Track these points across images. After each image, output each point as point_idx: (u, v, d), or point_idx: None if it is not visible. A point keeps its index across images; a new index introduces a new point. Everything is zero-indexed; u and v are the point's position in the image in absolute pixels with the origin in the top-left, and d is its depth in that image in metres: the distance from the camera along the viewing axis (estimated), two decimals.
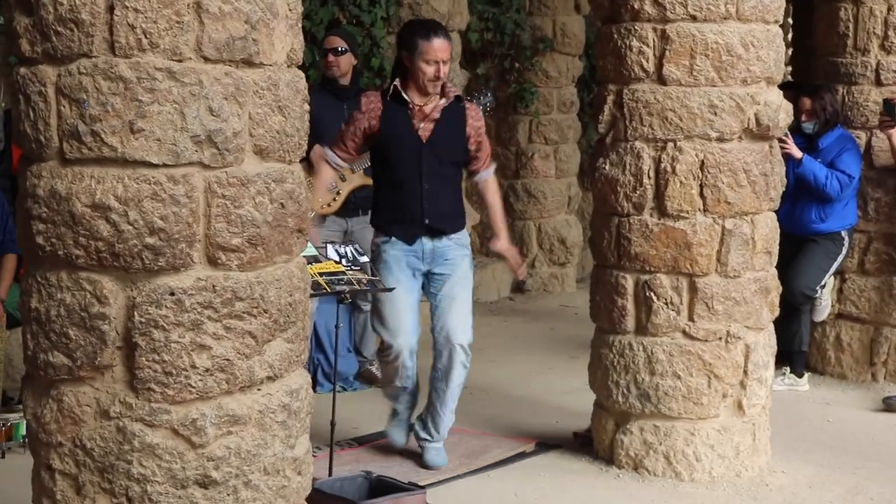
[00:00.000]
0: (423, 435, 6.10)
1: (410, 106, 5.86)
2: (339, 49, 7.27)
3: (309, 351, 6.10)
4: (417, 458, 6.09)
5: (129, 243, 3.31)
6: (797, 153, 7.48)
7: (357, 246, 5.72)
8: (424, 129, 5.88)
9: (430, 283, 5.97)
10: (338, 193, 7.10)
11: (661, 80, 5.82)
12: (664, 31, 5.79)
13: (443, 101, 5.90)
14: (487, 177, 6.16)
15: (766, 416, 6.10)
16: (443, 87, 5.90)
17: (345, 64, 7.27)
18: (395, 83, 5.86)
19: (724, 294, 5.84)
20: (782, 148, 6.72)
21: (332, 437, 5.61)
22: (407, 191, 5.86)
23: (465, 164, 6.09)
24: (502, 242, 6.24)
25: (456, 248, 5.99)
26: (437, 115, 5.89)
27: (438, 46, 5.79)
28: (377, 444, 6.31)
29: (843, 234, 7.73)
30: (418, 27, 5.95)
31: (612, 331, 6.05)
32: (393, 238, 5.89)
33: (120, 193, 3.30)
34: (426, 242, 5.91)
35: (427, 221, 5.88)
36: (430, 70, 5.79)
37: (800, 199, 7.61)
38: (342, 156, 6.00)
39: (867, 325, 8.10)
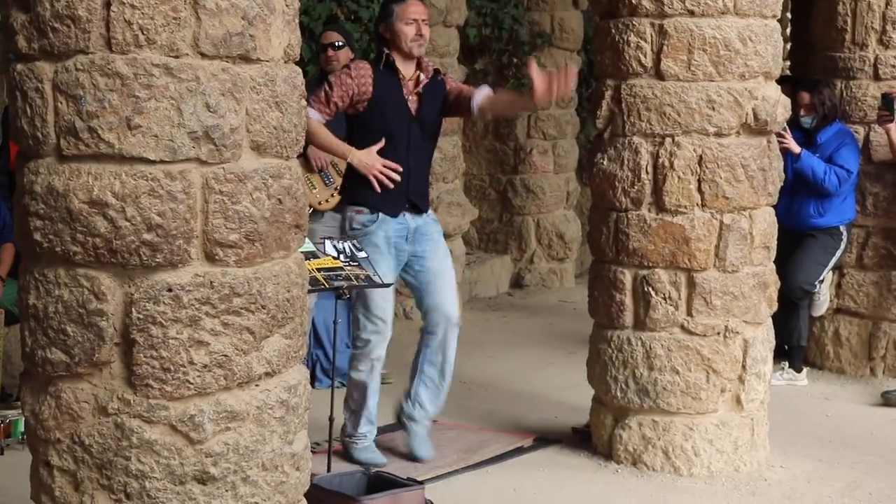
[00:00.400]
0: (417, 414, 6.04)
1: (401, 76, 5.86)
2: (337, 44, 7.27)
3: (307, 347, 6.10)
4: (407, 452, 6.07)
5: (126, 240, 3.31)
6: (795, 148, 7.49)
7: (355, 241, 5.71)
8: (412, 102, 5.90)
9: (413, 262, 5.92)
10: (335, 189, 7.10)
11: (659, 75, 5.82)
12: (662, 26, 5.78)
13: (423, 77, 5.90)
14: (484, 92, 5.99)
15: (765, 411, 6.11)
16: (420, 62, 5.90)
17: (343, 58, 7.27)
18: (386, 52, 5.84)
19: (722, 289, 5.85)
20: (780, 143, 6.73)
21: (330, 433, 5.61)
22: (395, 162, 5.82)
23: (456, 112, 6.10)
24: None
25: (433, 224, 6.03)
26: (421, 89, 5.90)
27: (415, 6, 5.82)
28: (376, 439, 6.30)
29: (842, 228, 7.73)
30: None
31: (610, 326, 6.06)
32: (380, 214, 5.83)
33: (117, 190, 3.30)
34: (409, 219, 5.90)
35: (410, 196, 5.89)
36: (410, 30, 5.79)
37: (798, 194, 7.61)
38: (325, 116, 5.82)
39: (866, 320, 8.11)
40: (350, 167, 5.90)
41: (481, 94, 5.96)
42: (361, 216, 5.84)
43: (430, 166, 6.14)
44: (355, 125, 5.92)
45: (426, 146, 6.00)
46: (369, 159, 5.79)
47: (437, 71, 6.00)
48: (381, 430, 6.27)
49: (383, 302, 5.86)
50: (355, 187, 5.90)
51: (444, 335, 6.00)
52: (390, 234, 5.84)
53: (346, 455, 5.96)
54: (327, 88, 5.79)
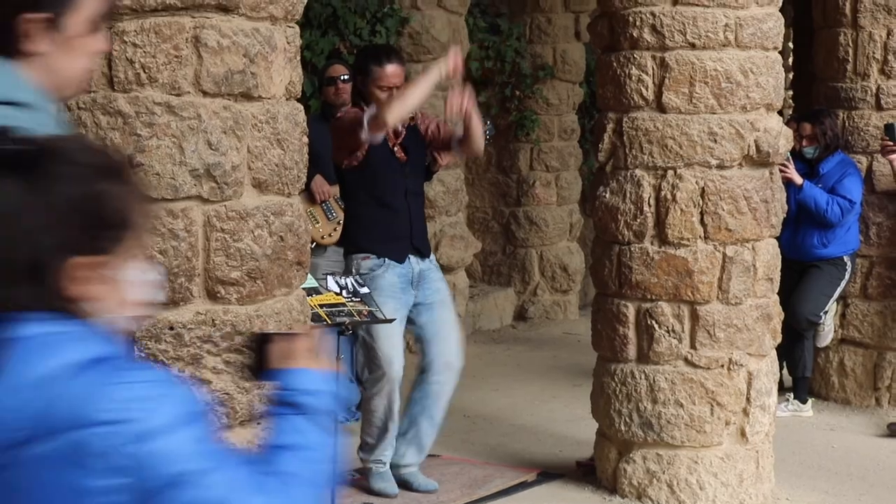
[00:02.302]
0: (408, 462, 6.06)
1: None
2: (344, 77, 7.30)
3: None
4: (413, 491, 6.04)
5: None
6: (798, 179, 7.49)
7: (357, 277, 5.71)
8: (399, 152, 5.98)
9: (419, 313, 5.96)
10: (338, 223, 7.09)
11: (661, 107, 5.83)
12: (663, 59, 5.80)
13: (401, 128, 5.95)
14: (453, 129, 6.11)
15: (770, 443, 6.08)
16: None
17: (349, 91, 7.30)
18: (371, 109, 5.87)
19: (725, 321, 5.83)
20: (783, 174, 6.73)
21: (334, 468, 5.59)
22: (397, 210, 5.88)
23: (439, 147, 6.12)
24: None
25: (436, 272, 6.09)
26: (403, 139, 5.98)
27: (391, 72, 5.84)
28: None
29: (846, 259, 7.72)
30: (372, 52, 6.05)
31: (613, 359, 6.04)
32: (386, 260, 5.87)
33: None
34: (415, 264, 5.94)
35: (413, 241, 5.94)
36: (383, 96, 5.81)
37: (801, 225, 7.60)
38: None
39: (870, 350, 8.08)
40: (349, 213, 5.94)
41: (459, 132, 6.09)
42: (368, 262, 5.88)
43: (424, 211, 6.22)
44: (349, 179, 5.99)
45: (420, 191, 6.09)
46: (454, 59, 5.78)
47: (412, 118, 6.05)
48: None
49: (389, 349, 5.86)
50: (358, 234, 5.96)
51: (447, 382, 6.05)
52: (396, 279, 5.87)
53: (365, 479, 6.00)
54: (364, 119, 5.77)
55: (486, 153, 11.38)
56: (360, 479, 5.98)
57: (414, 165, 6.04)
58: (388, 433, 5.97)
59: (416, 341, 6.18)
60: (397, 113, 5.63)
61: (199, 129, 3.33)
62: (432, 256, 6.12)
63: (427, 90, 5.73)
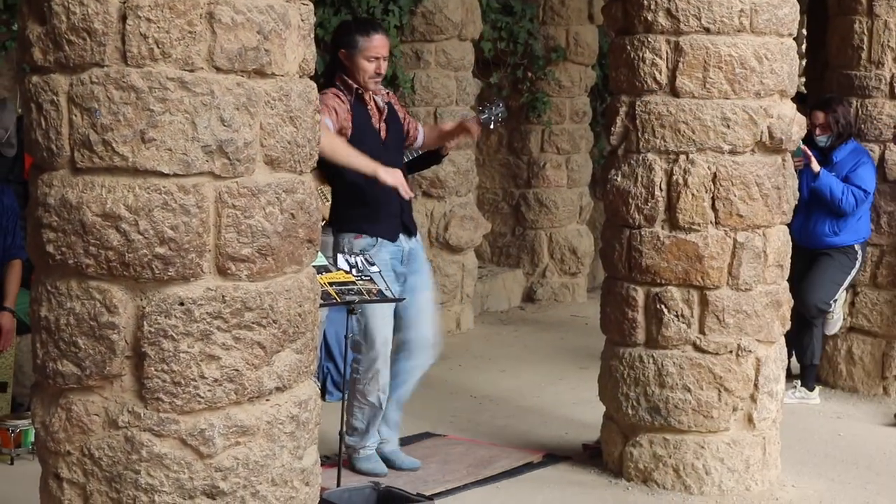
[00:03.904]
0: (386, 438, 6.11)
1: (369, 107, 5.90)
2: None
3: (318, 360, 6.09)
4: (419, 470, 6.05)
5: (138, 253, 3.31)
6: (816, 167, 7.47)
7: (367, 256, 5.71)
8: (382, 130, 5.96)
9: (402, 291, 5.92)
10: None
11: (674, 92, 5.81)
12: (677, 44, 5.78)
13: (380, 100, 5.94)
14: (422, 132, 6.27)
15: (777, 430, 6.08)
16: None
17: None
18: (356, 87, 5.83)
19: (735, 307, 5.83)
20: (799, 163, 6.77)
21: (340, 447, 5.60)
22: (385, 187, 5.81)
23: (407, 144, 6.20)
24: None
25: (421, 251, 6.10)
26: (386, 116, 5.97)
27: (379, 42, 5.82)
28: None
29: (857, 247, 7.71)
30: (357, 24, 5.99)
31: (622, 343, 6.04)
32: (379, 239, 5.85)
33: (130, 203, 3.30)
34: (404, 242, 5.95)
35: (403, 220, 5.95)
36: (371, 67, 5.80)
37: (813, 213, 7.59)
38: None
39: (879, 339, 8.08)
40: (337, 191, 5.89)
41: (421, 134, 6.22)
42: (361, 241, 5.84)
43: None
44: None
45: (401, 167, 6.02)
46: (395, 176, 5.78)
47: (387, 94, 6.08)
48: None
49: (384, 328, 5.86)
50: (349, 213, 5.90)
51: (424, 360, 6.09)
52: (388, 257, 5.87)
53: (350, 465, 5.95)
54: (335, 106, 5.76)
55: (497, 134, 11.41)
56: (344, 463, 5.90)
57: (395, 141, 6.02)
58: (379, 414, 5.98)
59: (395, 318, 6.12)
60: (331, 152, 5.52)
61: (211, 106, 3.32)
62: (418, 235, 6.12)
63: (353, 165, 5.71)
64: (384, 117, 5.96)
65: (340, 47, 5.87)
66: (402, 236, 5.95)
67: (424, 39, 9.50)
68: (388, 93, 6.11)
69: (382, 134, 5.95)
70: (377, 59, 5.79)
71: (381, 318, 5.82)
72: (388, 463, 6.02)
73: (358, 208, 5.85)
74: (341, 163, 5.69)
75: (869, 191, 7.56)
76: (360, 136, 5.82)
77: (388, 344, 5.91)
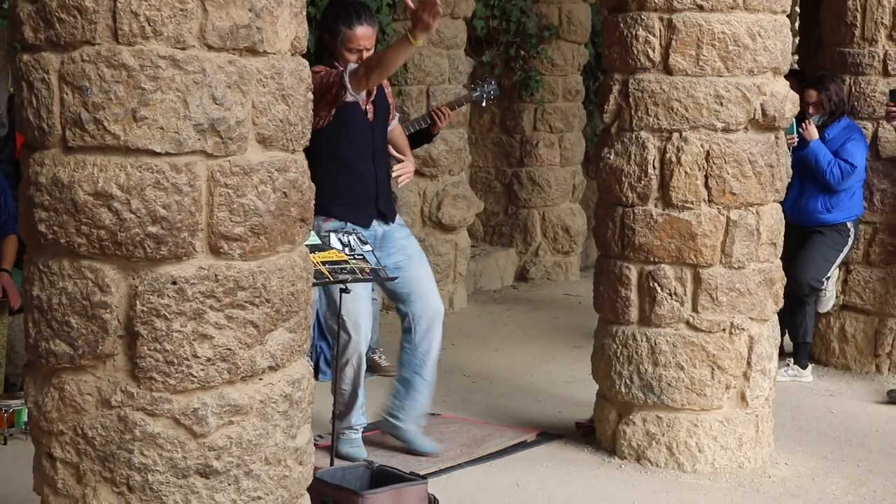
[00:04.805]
0: (407, 425, 6.02)
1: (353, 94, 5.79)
2: None
3: (311, 339, 6.08)
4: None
5: (131, 232, 3.30)
6: (814, 136, 7.48)
7: (360, 235, 5.69)
8: (369, 111, 5.86)
9: (387, 272, 5.77)
10: None
11: (667, 69, 5.80)
12: (671, 21, 5.76)
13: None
14: (396, 122, 6.21)
15: (770, 408, 6.09)
16: None
17: None
18: (342, 69, 5.67)
19: (728, 285, 5.83)
20: (795, 139, 6.87)
21: (333, 426, 5.60)
22: (362, 172, 5.79)
23: None
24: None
25: (400, 230, 5.97)
26: (374, 97, 5.86)
27: (361, 34, 5.68)
28: (379, 432, 6.29)
29: (849, 225, 7.71)
30: (342, 11, 5.74)
31: (615, 321, 6.04)
32: (348, 224, 5.74)
33: (122, 182, 3.28)
34: (378, 227, 5.87)
35: (378, 206, 5.87)
36: (352, 58, 5.68)
37: (805, 190, 7.60)
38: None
39: (871, 317, 8.09)
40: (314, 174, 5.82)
41: (394, 123, 6.10)
42: (329, 224, 5.71)
43: (389, 171, 6.08)
44: (321, 137, 5.60)
45: (385, 153, 5.98)
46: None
47: None
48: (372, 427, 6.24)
49: (356, 315, 5.75)
50: (321, 195, 5.75)
51: (434, 340, 5.95)
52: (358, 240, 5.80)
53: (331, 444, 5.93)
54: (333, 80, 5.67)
55: (489, 113, 11.38)
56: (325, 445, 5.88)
57: (381, 124, 5.94)
58: (357, 400, 5.93)
59: (393, 300, 6.08)
60: (377, 79, 5.54)
61: (203, 84, 3.31)
62: (398, 218, 6.01)
63: (403, 59, 5.55)
64: (373, 98, 5.87)
65: (325, 31, 5.79)
66: (375, 223, 5.87)
67: None
68: None
69: (370, 116, 5.87)
70: (359, 50, 5.69)
71: (352, 303, 5.65)
72: (408, 447, 6.00)
73: (330, 192, 5.62)
74: (396, 61, 5.51)
75: (856, 165, 7.54)
76: (347, 117, 5.74)
77: (362, 330, 5.78)
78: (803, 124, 7.42)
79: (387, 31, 8.97)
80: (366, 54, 5.69)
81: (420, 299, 5.93)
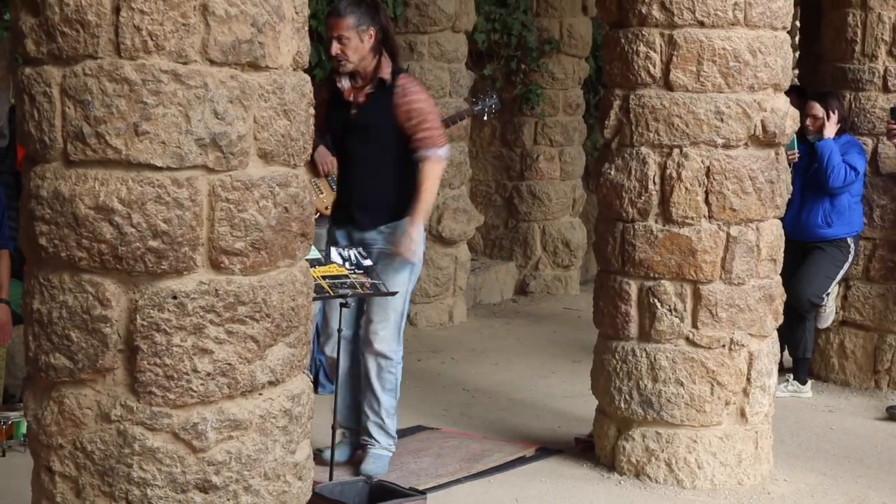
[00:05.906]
0: (368, 440, 6.03)
1: (341, 91, 5.84)
2: None
3: (311, 352, 6.08)
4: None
5: (131, 246, 3.30)
6: (830, 133, 7.49)
7: (360, 249, 5.69)
8: (355, 116, 5.85)
9: None
10: None
11: (668, 85, 5.81)
12: (671, 37, 5.77)
13: (369, 87, 5.81)
14: (425, 156, 5.78)
15: (769, 424, 6.09)
16: (376, 71, 5.78)
17: None
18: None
19: (728, 301, 5.83)
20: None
21: (332, 441, 5.60)
22: (346, 176, 5.95)
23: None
24: (409, 224, 5.79)
25: (380, 242, 5.85)
26: (361, 99, 5.82)
27: (330, 24, 5.75)
28: None
29: (849, 241, 7.71)
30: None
31: (615, 337, 6.04)
32: (328, 220, 6.01)
33: (123, 196, 3.29)
34: (355, 234, 5.88)
35: (351, 210, 5.87)
36: (332, 49, 5.74)
37: (806, 205, 7.60)
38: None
39: (871, 333, 8.09)
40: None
41: (426, 153, 5.78)
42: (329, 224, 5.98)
43: (390, 181, 5.83)
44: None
45: (377, 161, 5.81)
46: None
47: (382, 80, 5.78)
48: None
49: (329, 310, 5.84)
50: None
51: (365, 363, 5.94)
52: (334, 239, 5.91)
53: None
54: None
55: (490, 126, 11.39)
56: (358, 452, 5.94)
57: (367, 130, 5.81)
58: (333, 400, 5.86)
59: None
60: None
61: (205, 99, 3.31)
62: (384, 228, 5.83)
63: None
64: (360, 98, 5.81)
65: None
66: (350, 226, 5.89)
67: (418, 31, 9.48)
68: (381, 79, 5.79)
69: (354, 116, 5.82)
70: (332, 39, 5.72)
71: (334, 308, 5.70)
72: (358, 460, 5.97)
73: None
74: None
75: (859, 170, 7.53)
76: (332, 123, 5.87)
77: (331, 323, 5.82)
78: (826, 122, 7.47)
79: None
80: (335, 46, 5.69)
81: (366, 316, 5.91)
